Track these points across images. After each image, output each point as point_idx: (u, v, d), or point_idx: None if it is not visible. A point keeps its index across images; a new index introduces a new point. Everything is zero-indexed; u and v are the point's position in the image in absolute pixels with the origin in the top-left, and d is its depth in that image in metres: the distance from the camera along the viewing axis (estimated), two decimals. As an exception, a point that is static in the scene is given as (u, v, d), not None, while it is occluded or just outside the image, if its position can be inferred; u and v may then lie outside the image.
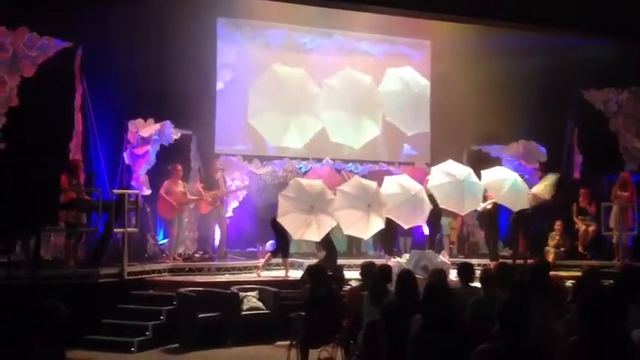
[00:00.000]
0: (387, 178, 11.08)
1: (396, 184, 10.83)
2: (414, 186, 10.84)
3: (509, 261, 10.17)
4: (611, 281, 6.31)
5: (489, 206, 11.37)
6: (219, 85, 12.60)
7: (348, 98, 11.68)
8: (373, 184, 10.60)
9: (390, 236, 11.26)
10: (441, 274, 5.92)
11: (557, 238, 11.84)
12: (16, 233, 9.14)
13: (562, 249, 11.72)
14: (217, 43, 12.66)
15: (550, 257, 11.21)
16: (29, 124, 9.71)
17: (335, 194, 10.39)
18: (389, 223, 10.54)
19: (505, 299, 3.74)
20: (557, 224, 11.93)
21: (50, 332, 3.52)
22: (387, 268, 6.37)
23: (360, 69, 12.45)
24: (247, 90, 11.78)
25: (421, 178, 12.93)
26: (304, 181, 10.70)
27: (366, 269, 6.77)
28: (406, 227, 10.97)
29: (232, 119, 12.50)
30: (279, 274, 10.41)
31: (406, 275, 5.29)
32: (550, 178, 11.83)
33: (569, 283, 7.95)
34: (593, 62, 12.46)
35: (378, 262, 8.16)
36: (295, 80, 11.61)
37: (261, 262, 10.57)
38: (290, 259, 10.65)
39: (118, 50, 10.72)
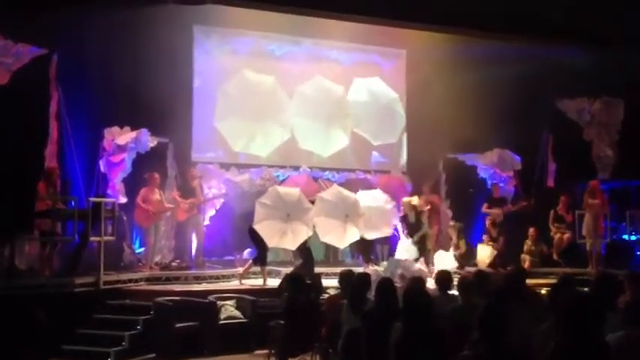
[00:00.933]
0: (360, 193, 11.15)
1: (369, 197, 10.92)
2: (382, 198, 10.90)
3: (488, 269, 10.33)
4: (585, 289, 6.41)
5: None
6: (195, 93, 12.59)
7: (319, 106, 11.78)
8: (352, 194, 10.66)
9: (367, 244, 11.31)
10: (419, 282, 5.94)
11: (530, 244, 12.01)
12: (-10, 242, 9.04)
13: (539, 251, 11.90)
14: (194, 50, 12.64)
15: (525, 264, 11.36)
16: (4, 132, 9.58)
17: (313, 202, 10.43)
18: None
19: (485, 306, 3.78)
20: (531, 231, 12.09)
21: (30, 342, 3.46)
22: (365, 276, 6.39)
23: (329, 77, 12.64)
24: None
25: (397, 187, 13.07)
26: (282, 189, 10.72)
27: (345, 277, 6.78)
28: (369, 238, 11.03)
29: (207, 127, 12.50)
30: (257, 282, 10.39)
31: (386, 283, 5.32)
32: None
33: (543, 290, 8.03)
34: (567, 71, 12.66)
35: (356, 270, 8.22)
36: (265, 87, 11.66)
37: (239, 270, 10.56)
38: (268, 268, 10.63)
39: (94, 57, 10.68)
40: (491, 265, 11.24)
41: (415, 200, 11.55)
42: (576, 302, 3.51)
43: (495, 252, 11.62)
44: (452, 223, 11.99)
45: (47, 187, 9.41)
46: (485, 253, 11.69)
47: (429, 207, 11.88)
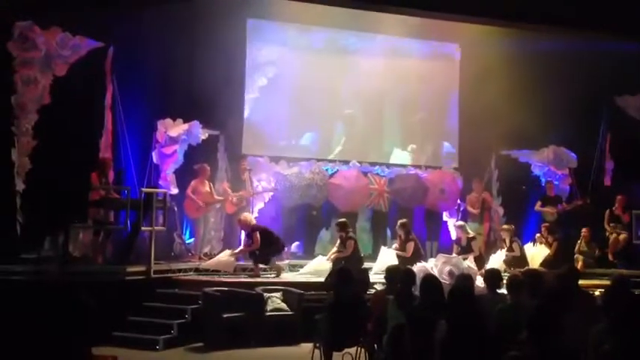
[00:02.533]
0: None
1: None
2: None
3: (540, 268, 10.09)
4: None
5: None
6: (246, 87, 12.67)
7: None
8: None
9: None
10: (467, 279, 5.85)
11: (583, 244, 11.66)
12: (46, 229, 9.29)
13: (592, 251, 11.55)
14: (247, 43, 12.70)
15: (578, 265, 11.06)
16: (60, 122, 9.85)
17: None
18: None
19: (535, 306, 3.67)
20: (584, 231, 11.73)
21: (79, 327, 3.54)
22: (410, 272, 6.31)
23: (400, 71, 12.97)
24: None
25: (449, 183, 12.88)
26: None
27: (391, 273, 6.72)
28: None
29: (258, 120, 12.64)
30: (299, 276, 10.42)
31: (430, 279, 5.24)
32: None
33: (597, 292, 7.81)
34: (627, 67, 12.25)
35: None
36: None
37: (285, 262, 10.63)
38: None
39: (149, 51, 10.85)
40: (543, 265, 10.96)
41: (468, 227, 11.42)
42: (631, 305, 3.37)
43: (548, 252, 11.32)
44: (505, 226, 11.71)
45: (100, 177, 9.62)
46: (537, 252, 11.40)
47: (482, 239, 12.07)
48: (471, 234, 11.24)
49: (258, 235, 10.12)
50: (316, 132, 13.18)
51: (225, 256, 10.34)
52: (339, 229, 10.59)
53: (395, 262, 10.07)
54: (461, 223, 11.59)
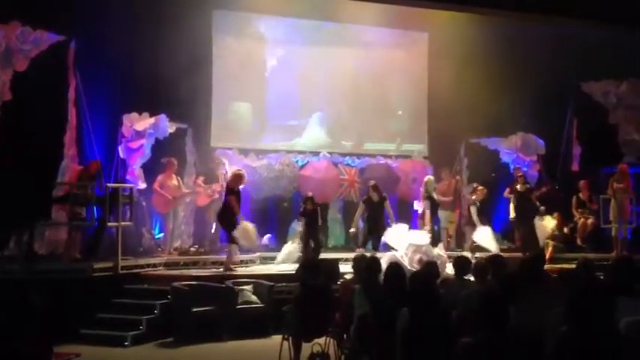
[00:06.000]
0: None
1: None
2: None
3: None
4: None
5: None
6: (214, 79, 12.56)
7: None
8: None
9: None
10: (432, 266, 5.85)
11: (554, 229, 11.75)
12: (10, 228, 9.14)
13: (564, 236, 11.65)
14: (212, 35, 12.58)
15: (548, 250, 11.16)
16: (22, 119, 9.67)
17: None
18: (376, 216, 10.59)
19: (482, 291, 3.66)
20: (554, 216, 11.84)
21: (31, 327, 3.44)
22: (375, 261, 6.30)
23: (355, 59, 12.81)
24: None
25: (420, 172, 12.91)
26: None
27: (358, 262, 6.71)
28: None
29: (227, 113, 12.53)
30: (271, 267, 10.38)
31: (393, 268, 5.23)
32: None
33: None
34: (593, 53, 12.35)
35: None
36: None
37: (256, 255, 10.55)
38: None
39: (112, 44, 10.68)
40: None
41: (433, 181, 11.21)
42: (585, 288, 3.37)
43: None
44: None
45: (81, 176, 9.41)
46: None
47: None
48: (435, 186, 11.09)
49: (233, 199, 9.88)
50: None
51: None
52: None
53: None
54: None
